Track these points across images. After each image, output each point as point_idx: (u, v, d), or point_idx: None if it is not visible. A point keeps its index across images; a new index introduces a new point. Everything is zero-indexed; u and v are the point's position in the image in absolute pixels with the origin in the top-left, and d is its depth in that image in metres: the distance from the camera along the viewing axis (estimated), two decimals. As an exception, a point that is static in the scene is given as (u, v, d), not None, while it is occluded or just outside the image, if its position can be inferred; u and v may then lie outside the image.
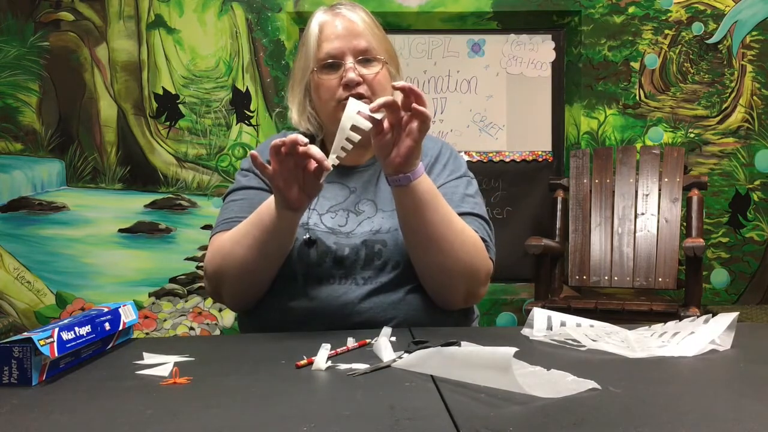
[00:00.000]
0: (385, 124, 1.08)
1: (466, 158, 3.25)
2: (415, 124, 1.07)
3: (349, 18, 1.27)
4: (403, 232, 1.19)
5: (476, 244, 1.20)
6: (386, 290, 1.21)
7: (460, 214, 1.23)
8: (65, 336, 0.87)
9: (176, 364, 0.89)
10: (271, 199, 1.14)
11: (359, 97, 1.24)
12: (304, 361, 0.88)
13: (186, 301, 3.24)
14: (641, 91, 3.21)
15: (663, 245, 2.83)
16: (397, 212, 1.17)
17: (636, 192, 2.93)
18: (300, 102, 1.34)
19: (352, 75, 1.24)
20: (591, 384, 0.74)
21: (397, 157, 1.09)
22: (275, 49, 3.21)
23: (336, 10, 1.29)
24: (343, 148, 1.07)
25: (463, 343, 0.92)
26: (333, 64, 1.26)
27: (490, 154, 3.30)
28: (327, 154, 1.07)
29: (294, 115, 1.35)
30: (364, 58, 1.26)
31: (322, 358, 0.88)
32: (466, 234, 1.18)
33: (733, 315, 0.97)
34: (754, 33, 3.19)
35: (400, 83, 1.05)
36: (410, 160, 1.09)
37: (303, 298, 1.21)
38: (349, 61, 1.25)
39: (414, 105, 1.05)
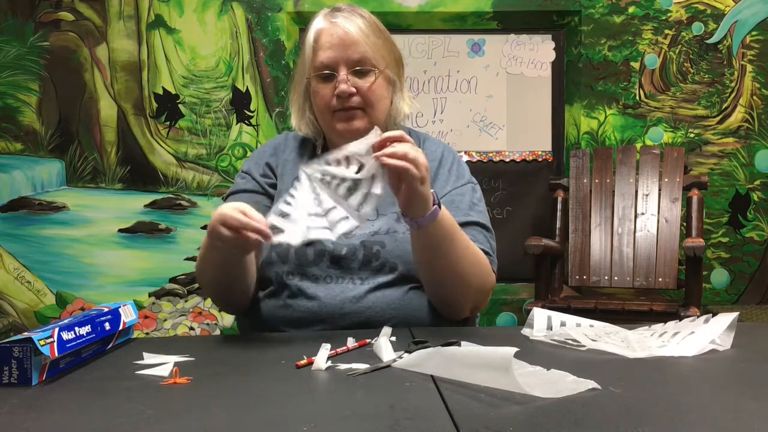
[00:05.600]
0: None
1: (466, 158, 3.25)
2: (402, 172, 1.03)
3: (345, 27, 1.25)
4: (416, 266, 1.20)
5: (483, 265, 1.22)
6: (385, 289, 1.21)
7: (468, 223, 1.24)
8: (65, 336, 0.87)
9: (176, 364, 0.89)
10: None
11: (352, 109, 1.24)
12: (304, 361, 0.88)
13: (186, 301, 3.24)
14: (641, 91, 3.21)
15: (663, 245, 2.83)
16: (412, 248, 1.18)
17: (636, 192, 2.93)
18: (300, 106, 1.34)
19: (344, 87, 1.24)
20: (591, 384, 0.74)
21: (401, 201, 1.08)
22: (275, 49, 3.21)
23: (333, 18, 1.27)
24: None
25: (463, 343, 0.92)
26: (327, 74, 1.26)
27: (490, 154, 3.30)
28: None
29: (294, 118, 1.36)
30: (358, 69, 1.25)
31: (322, 358, 0.88)
32: (473, 263, 1.19)
33: (733, 315, 0.97)
34: (754, 33, 3.19)
35: (383, 135, 1.04)
36: (412, 206, 1.08)
37: (300, 297, 1.21)
38: (342, 73, 1.24)
39: (379, 155, 1.03)
